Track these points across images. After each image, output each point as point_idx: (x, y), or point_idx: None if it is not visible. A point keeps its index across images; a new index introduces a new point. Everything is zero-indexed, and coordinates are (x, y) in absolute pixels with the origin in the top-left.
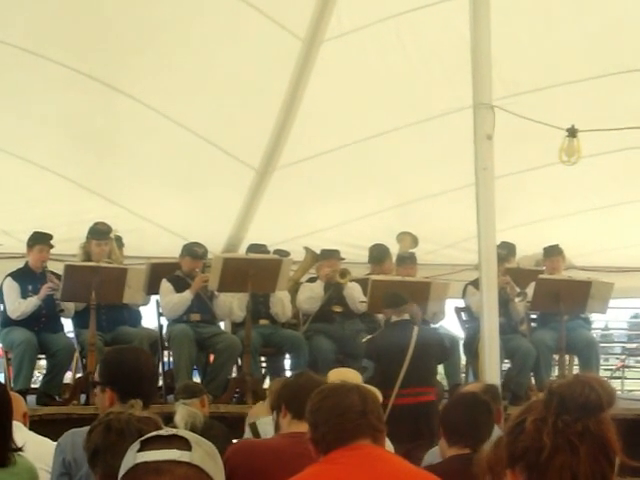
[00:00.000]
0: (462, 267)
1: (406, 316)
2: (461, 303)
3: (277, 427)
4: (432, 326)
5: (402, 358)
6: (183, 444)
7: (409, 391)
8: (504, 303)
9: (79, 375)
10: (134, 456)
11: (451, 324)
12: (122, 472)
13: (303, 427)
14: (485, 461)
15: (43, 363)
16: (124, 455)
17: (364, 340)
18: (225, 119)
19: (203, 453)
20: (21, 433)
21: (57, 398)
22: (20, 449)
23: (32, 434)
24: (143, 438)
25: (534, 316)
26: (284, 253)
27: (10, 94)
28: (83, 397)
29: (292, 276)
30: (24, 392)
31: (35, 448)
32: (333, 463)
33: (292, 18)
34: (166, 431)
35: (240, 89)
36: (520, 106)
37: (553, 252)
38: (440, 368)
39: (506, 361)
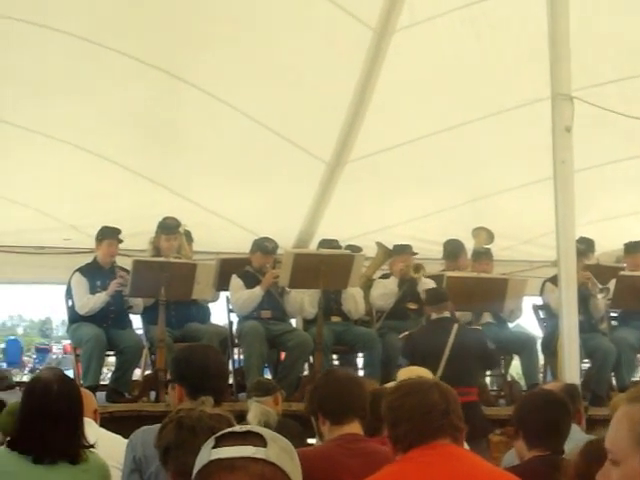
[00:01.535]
0: (539, 263)
1: (446, 313)
2: (539, 300)
3: (319, 434)
4: (474, 327)
5: (439, 356)
6: (258, 440)
7: None
8: (583, 300)
9: (148, 372)
10: (209, 453)
11: (528, 322)
12: (196, 469)
13: (346, 429)
14: (573, 468)
15: (111, 360)
16: (196, 452)
17: (401, 336)
18: (295, 111)
19: (279, 449)
20: (93, 430)
21: (126, 395)
22: (92, 446)
23: (104, 431)
24: (218, 434)
25: (614, 314)
26: (356, 249)
27: (76, 86)
28: (152, 394)
29: (364, 272)
30: (93, 389)
31: (107, 445)
32: (413, 462)
33: (363, 7)
34: (241, 427)
35: (310, 80)
36: (600, 97)
37: (635, 248)
38: (518, 367)
39: (585, 360)
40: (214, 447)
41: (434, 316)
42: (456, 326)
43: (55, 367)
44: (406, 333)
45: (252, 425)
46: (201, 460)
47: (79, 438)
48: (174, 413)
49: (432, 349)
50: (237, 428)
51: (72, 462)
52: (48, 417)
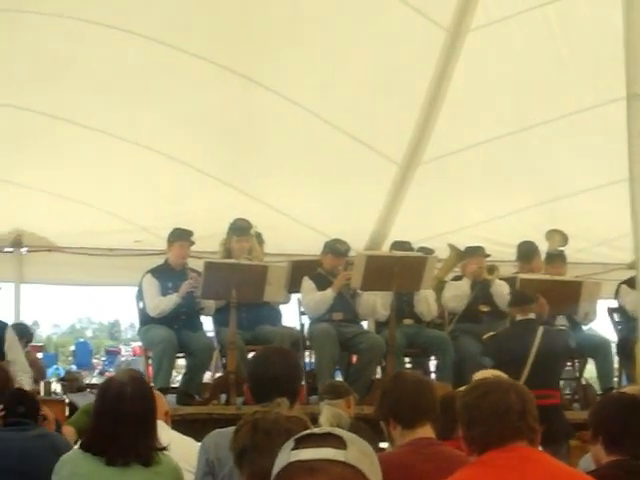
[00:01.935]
0: (614, 266)
1: (531, 315)
2: (613, 303)
3: (390, 438)
4: (559, 328)
5: (524, 358)
6: (338, 442)
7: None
8: None
9: (219, 374)
10: (288, 454)
11: (602, 325)
12: (275, 471)
13: (418, 433)
14: None
15: (181, 362)
16: (271, 455)
17: (485, 337)
18: (368, 112)
19: (358, 452)
20: (164, 432)
21: (197, 397)
22: (164, 448)
23: (176, 434)
24: (297, 436)
25: None
26: (428, 250)
27: (149, 88)
28: (223, 397)
29: (437, 274)
30: (164, 391)
31: (179, 448)
32: (489, 466)
33: (436, 8)
34: (321, 429)
35: (383, 81)
36: None
37: None
38: (592, 371)
39: None
40: (293, 449)
41: (519, 317)
42: (542, 328)
43: (131, 368)
44: (490, 334)
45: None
46: (280, 462)
47: (152, 440)
48: (250, 415)
49: (517, 351)
50: (317, 430)
51: (145, 464)
52: (122, 419)
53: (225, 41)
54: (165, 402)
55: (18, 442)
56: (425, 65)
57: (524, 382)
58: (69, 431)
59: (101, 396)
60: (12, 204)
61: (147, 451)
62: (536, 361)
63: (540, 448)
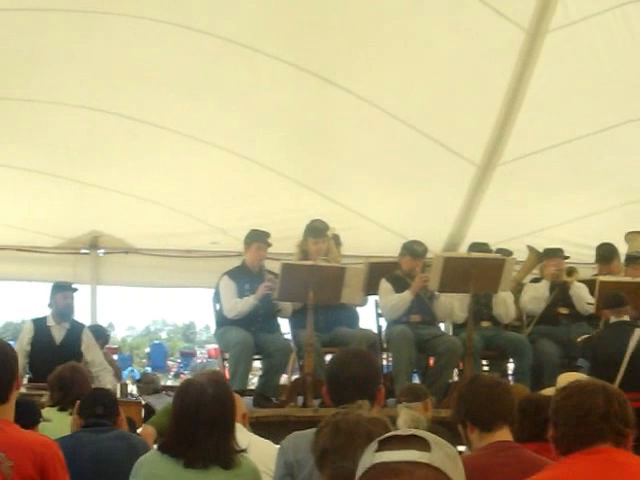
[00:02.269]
0: None
1: (626, 317)
2: None
3: (468, 442)
4: None
5: (619, 360)
6: (422, 445)
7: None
8: None
9: (296, 376)
10: (372, 456)
11: None
12: (359, 473)
13: (496, 436)
14: None
15: (257, 364)
16: (353, 456)
17: (580, 340)
18: (445, 113)
19: (443, 455)
20: (243, 434)
21: (273, 400)
22: (244, 450)
23: (255, 436)
24: (381, 438)
25: None
26: (507, 252)
27: (228, 90)
28: (300, 399)
29: (515, 276)
30: (240, 393)
31: (257, 450)
32: (569, 468)
33: (516, 8)
34: (404, 431)
35: (461, 82)
36: None
37: None
38: None
39: None
40: (377, 451)
41: (613, 319)
42: (637, 330)
43: (213, 370)
44: (586, 336)
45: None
46: (364, 464)
47: (231, 442)
48: (331, 416)
49: (612, 352)
50: (401, 431)
51: (225, 467)
52: (202, 421)
53: (302, 41)
54: (243, 404)
55: (96, 444)
56: (504, 65)
57: (619, 384)
58: (150, 431)
59: (181, 398)
60: (89, 206)
61: (227, 453)
62: (631, 363)
63: None
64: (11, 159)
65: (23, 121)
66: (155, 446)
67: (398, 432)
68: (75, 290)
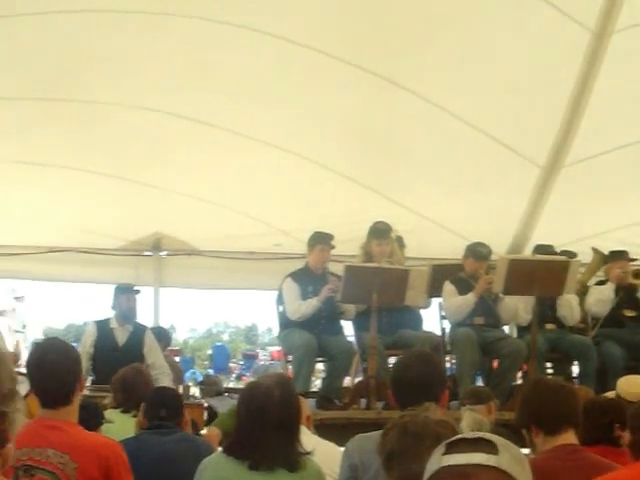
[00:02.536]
0: None
1: None
2: None
3: (532, 445)
4: None
5: None
6: (490, 447)
7: None
8: None
9: (359, 379)
10: (439, 459)
11: None
12: (426, 476)
13: (561, 439)
14: None
15: (320, 366)
16: (420, 458)
17: None
18: (510, 115)
19: (510, 458)
20: (307, 437)
21: (337, 402)
22: (309, 453)
23: (319, 438)
24: (448, 441)
25: None
26: (572, 254)
27: (292, 92)
28: (363, 401)
29: (579, 278)
30: (303, 395)
31: (321, 452)
32: (634, 470)
33: (581, 9)
34: (472, 434)
35: (526, 83)
36: None
37: None
38: None
39: None
40: (445, 454)
41: None
42: None
43: (278, 372)
44: None
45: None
46: (431, 467)
47: (297, 445)
48: (399, 418)
49: None
50: (468, 434)
51: (290, 470)
52: (268, 423)
53: (368, 44)
54: (307, 406)
55: (160, 446)
56: (569, 66)
57: None
58: (215, 432)
59: (247, 400)
60: (152, 208)
61: (293, 456)
62: None
63: None
64: (75, 161)
65: (86, 123)
66: (220, 448)
67: (465, 435)
68: (138, 292)
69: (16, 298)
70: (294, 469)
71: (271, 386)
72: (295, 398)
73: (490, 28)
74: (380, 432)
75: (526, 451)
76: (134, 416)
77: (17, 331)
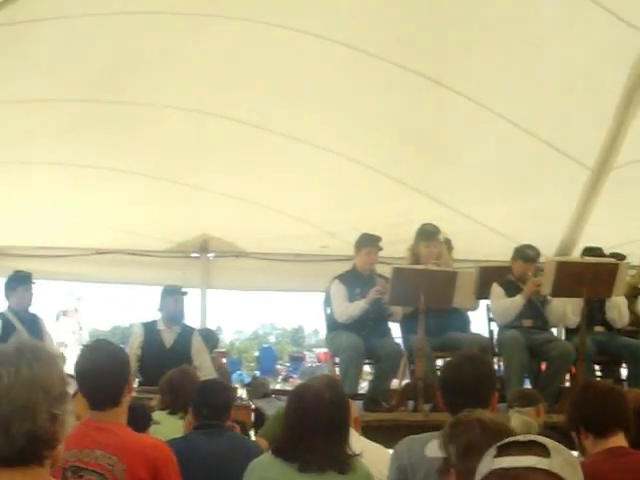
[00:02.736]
0: None
1: None
2: None
3: (581, 448)
4: None
5: None
6: (541, 450)
7: None
8: None
9: (406, 381)
10: (490, 462)
11: None
12: (478, 478)
13: (611, 442)
14: None
15: (367, 368)
16: (478, 458)
17: None
18: (559, 116)
19: (562, 461)
20: (355, 439)
21: (384, 404)
22: (358, 455)
23: (367, 440)
24: (500, 443)
25: None
26: (620, 257)
27: (338, 93)
28: (410, 403)
29: (629, 280)
30: (351, 397)
31: (370, 454)
32: None
33: (631, 10)
34: (524, 436)
35: (575, 85)
36: None
37: None
38: None
39: None
40: (496, 456)
41: None
42: None
43: (327, 374)
44: None
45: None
46: (483, 469)
47: (346, 447)
48: (463, 415)
49: None
50: (520, 437)
51: (340, 472)
52: (318, 425)
53: (414, 44)
54: (355, 408)
55: (208, 446)
56: (619, 68)
57: None
58: (263, 444)
59: (297, 402)
60: (200, 210)
61: (342, 458)
62: None
63: None
64: (123, 163)
65: (135, 125)
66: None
67: (518, 437)
68: (185, 294)
69: (77, 299)
70: (344, 471)
71: (321, 388)
72: (345, 400)
73: (539, 29)
74: (431, 433)
75: (575, 454)
76: (181, 418)
77: (74, 332)
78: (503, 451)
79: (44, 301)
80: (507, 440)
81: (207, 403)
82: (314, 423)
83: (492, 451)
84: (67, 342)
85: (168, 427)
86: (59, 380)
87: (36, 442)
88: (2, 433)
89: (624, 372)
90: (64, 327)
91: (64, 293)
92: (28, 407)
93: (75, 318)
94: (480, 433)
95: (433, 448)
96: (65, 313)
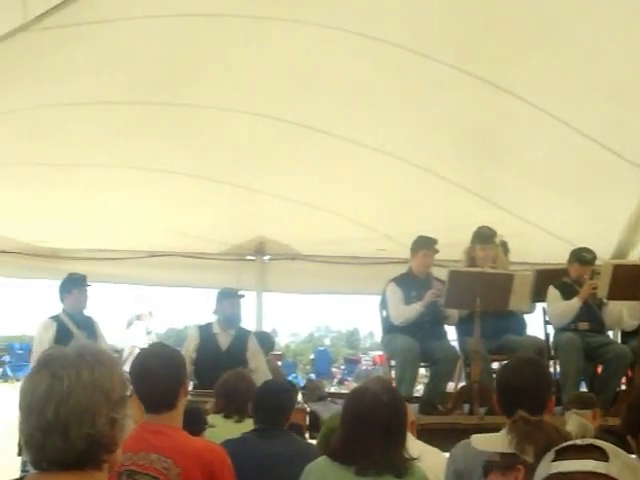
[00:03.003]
0: None
1: None
2: None
3: (638, 452)
4: None
5: None
6: (600, 455)
7: None
8: None
9: (462, 384)
10: (548, 466)
11: None
12: None
13: None
14: None
15: (423, 371)
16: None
17: None
18: (616, 119)
19: (621, 465)
20: (411, 442)
21: (440, 407)
22: (415, 459)
23: (423, 444)
24: (558, 447)
25: None
26: None
27: (393, 95)
28: (466, 406)
29: None
30: (407, 401)
31: (427, 458)
32: None
33: None
34: (583, 440)
35: (633, 88)
36: None
37: None
38: None
39: None
40: (554, 460)
41: None
42: None
43: (382, 377)
44: None
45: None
46: (541, 473)
47: (403, 450)
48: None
49: None
50: (579, 441)
51: (397, 475)
52: (376, 428)
53: (472, 47)
54: (412, 412)
55: (264, 449)
56: None
57: None
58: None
59: (355, 405)
60: (255, 212)
61: (400, 461)
62: None
63: None
64: (178, 165)
65: (192, 127)
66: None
67: (576, 442)
68: (242, 297)
69: (147, 304)
70: (401, 475)
71: (379, 391)
72: (402, 402)
73: (596, 31)
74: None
75: (633, 456)
76: (236, 421)
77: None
78: (561, 455)
79: (112, 304)
80: (565, 444)
81: (265, 406)
82: (371, 426)
83: (550, 455)
84: (140, 346)
85: (223, 430)
86: (119, 384)
87: (95, 446)
88: (61, 436)
89: None
90: (137, 331)
91: (135, 297)
92: (88, 411)
93: (149, 322)
94: (556, 434)
95: (488, 442)
96: (139, 317)
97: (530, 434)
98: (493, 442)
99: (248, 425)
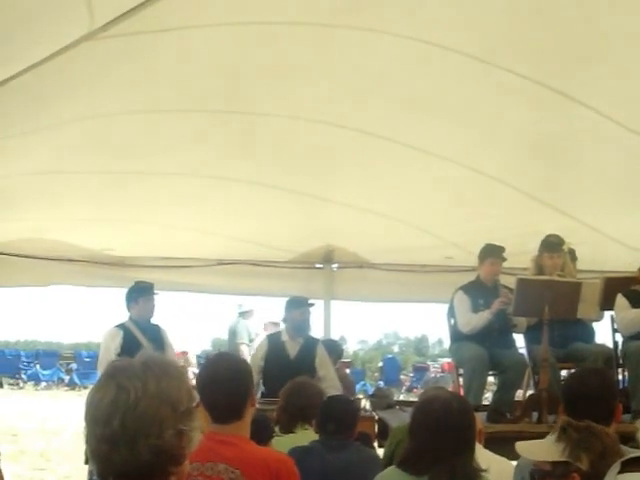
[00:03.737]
0: None
1: None
2: None
3: None
4: None
5: None
6: None
7: None
8: None
9: (531, 392)
10: (614, 478)
11: None
12: None
13: None
14: None
15: (491, 379)
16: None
17: None
18: None
19: None
20: (479, 451)
21: (508, 415)
22: (485, 470)
23: (490, 453)
24: (623, 459)
25: None
26: None
27: (462, 104)
28: (535, 415)
29: None
30: (475, 409)
31: (495, 468)
32: None
33: None
34: None
35: None
36: None
37: None
38: None
39: None
40: (620, 472)
41: None
42: None
43: (443, 387)
44: None
45: None
46: None
47: (473, 460)
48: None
49: None
50: None
51: None
52: (447, 436)
53: (539, 56)
54: (479, 420)
55: (331, 458)
56: None
57: None
58: None
59: (425, 412)
60: (323, 220)
61: (470, 471)
62: None
63: None
64: (247, 174)
65: (258, 135)
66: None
67: (638, 453)
68: (312, 305)
69: (243, 312)
70: None
71: (449, 398)
72: (471, 411)
73: None
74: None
75: None
76: (303, 429)
77: (242, 343)
78: (627, 467)
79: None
80: (631, 455)
81: (332, 419)
82: (442, 434)
83: (616, 466)
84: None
85: (290, 439)
86: (186, 396)
87: (162, 458)
88: (127, 448)
89: None
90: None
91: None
92: (154, 422)
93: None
94: (608, 438)
95: (536, 451)
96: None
97: (583, 441)
98: (541, 450)
99: (311, 434)
